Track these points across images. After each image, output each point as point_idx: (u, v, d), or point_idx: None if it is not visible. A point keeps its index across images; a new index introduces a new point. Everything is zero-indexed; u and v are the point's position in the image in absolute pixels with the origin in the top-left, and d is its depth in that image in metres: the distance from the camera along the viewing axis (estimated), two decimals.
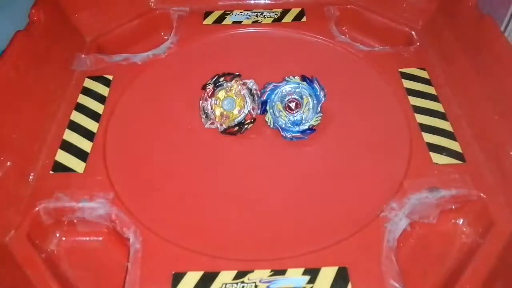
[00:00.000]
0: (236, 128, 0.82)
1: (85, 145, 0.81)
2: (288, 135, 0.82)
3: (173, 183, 0.77)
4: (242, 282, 0.63)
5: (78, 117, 0.85)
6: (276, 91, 0.82)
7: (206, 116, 0.83)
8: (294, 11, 1.07)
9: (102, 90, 0.90)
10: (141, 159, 0.80)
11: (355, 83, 0.93)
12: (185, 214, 0.73)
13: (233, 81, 0.82)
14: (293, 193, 0.76)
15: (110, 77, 0.93)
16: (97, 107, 0.87)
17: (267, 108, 0.82)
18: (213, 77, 0.83)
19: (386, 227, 0.69)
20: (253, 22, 1.05)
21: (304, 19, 1.05)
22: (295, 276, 0.64)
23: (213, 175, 0.78)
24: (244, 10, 1.07)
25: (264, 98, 0.82)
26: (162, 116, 0.87)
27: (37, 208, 0.71)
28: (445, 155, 0.78)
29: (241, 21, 1.05)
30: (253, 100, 0.82)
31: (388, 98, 0.89)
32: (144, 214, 0.72)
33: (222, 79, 0.82)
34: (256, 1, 1.10)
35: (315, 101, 0.82)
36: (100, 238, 0.74)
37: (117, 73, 0.93)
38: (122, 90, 0.91)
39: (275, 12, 1.07)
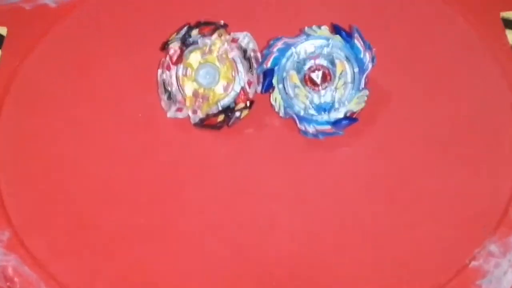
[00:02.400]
0: (221, 117, 0.65)
1: None
2: (311, 128, 0.64)
3: (112, 213, 0.62)
4: None
5: None
6: (290, 53, 0.65)
7: (169, 97, 0.66)
8: None
9: None
10: (55, 173, 0.65)
11: (425, 38, 0.74)
12: (132, 265, 0.59)
13: (215, 35, 0.65)
14: (319, 226, 0.62)
15: (1, 30, 0.76)
16: None
17: (274, 82, 0.65)
18: (180, 29, 0.66)
19: (481, 285, 0.56)
20: None
21: None
22: None
23: (182, 197, 0.64)
24: None
25: (269, 66, 0.65)
26: (92, 99, 0.70)
27: None
28: None
29: None
30: (249, 68, 0.66)
31: (483, 63, 0.71)
32: (62, 265, 0.58)
33: (195, 32, 0.66)
34: None
35: (355, 70, 0.64)
36: None
37: (14, 24, 0.76)
38: (24, 54, 0.73)
39: None
